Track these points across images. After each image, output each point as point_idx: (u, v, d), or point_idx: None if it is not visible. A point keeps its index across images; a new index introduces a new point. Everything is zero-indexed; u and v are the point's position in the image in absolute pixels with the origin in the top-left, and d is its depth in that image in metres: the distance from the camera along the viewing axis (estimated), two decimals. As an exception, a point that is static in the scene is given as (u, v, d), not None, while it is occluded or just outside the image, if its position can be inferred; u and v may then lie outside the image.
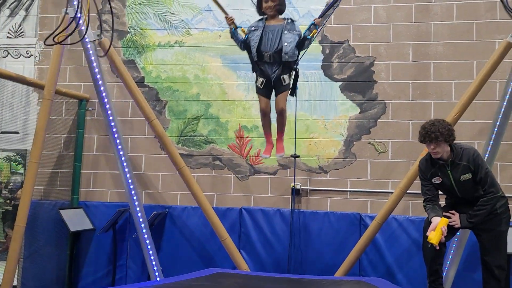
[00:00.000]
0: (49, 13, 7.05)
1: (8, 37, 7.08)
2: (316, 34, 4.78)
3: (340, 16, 6.33)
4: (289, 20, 4.77)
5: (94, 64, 5.55)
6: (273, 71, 4.70)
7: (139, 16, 6.89)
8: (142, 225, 5.85)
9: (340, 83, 6.33)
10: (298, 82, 4.90)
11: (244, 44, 4.80)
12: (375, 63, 6.27)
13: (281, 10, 4.80)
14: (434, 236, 4.01)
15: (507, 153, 5.79)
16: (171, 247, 6.41)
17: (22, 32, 7.08)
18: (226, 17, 4.83)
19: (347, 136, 6.27)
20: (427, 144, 4.17)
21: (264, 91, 4.81)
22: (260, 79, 4.76)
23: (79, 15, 4.98)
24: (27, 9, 7.05)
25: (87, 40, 5.44)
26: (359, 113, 6.27)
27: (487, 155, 5.07)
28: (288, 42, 4.61)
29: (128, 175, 5.88)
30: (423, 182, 4.39)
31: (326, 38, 6.40)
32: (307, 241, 6.15)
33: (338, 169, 6.25)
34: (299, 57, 4.86)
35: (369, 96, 6.25)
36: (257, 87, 4.83)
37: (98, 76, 5.59)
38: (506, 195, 4.31)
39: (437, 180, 4.29)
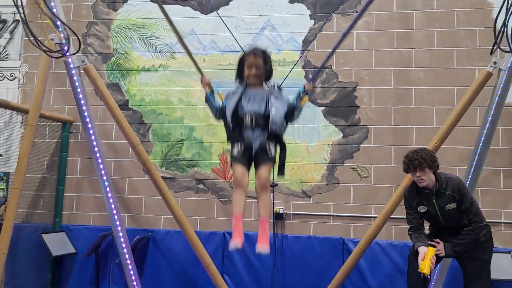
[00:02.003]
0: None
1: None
2: (306, 102, 3.83)
3: (323, 42, 6.41)
4: (275, 87, 3.80)
5: (79, 90, 5.54)
6: (255, 136, 3.67)
7: (123, 40, 6.91)
8: (125, 250, 5.80)
9: (323, 107, 6.40)
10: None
11: (220, 112, 3.83)
12: (357, 88, 6.34)
13: (267, 77, 3.83)
14: (425, 266, 4.03)
15: (488, 179, 5.88)
16: (154, 271, 6.37)
17: (6, 54, 7.07)
18: (201, 79, 3.99)
19: (330, 161, 6.31)
20: (412, 172, 4.21)
21: (241, 159, 3.66)
22: (238, 146, 3.67)
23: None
24: (11, 32, 7.05)
25: (71, 66, 5.44)
26: (342, 137, 6.32)
27: (468, 181, 5.12)
28: (277, 110, 3.66)
29: (111, 199, 5.85)
30: (408, 210, 4.43)
31: (309, 63, 6.47)
32: (291, 265, 6.16)
33: (321, 194, 6.28)
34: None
35: (351, 121, 6.31)
36: (232, 156, 3.73)
37: (83, 102, 5.58)
38: (487, 220, 4.35)
39: (422, 209, 4.32)
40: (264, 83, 3.82)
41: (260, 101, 3.70)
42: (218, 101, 3.88)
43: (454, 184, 4.20)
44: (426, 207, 4.30)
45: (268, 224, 3.65)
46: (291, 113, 3.79)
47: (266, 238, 3.58)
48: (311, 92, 3.96)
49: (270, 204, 3.81)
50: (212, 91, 3.93)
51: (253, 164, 3.73)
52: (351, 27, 3.50)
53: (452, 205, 4.20)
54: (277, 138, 3.77)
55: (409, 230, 4.41)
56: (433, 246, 4.21)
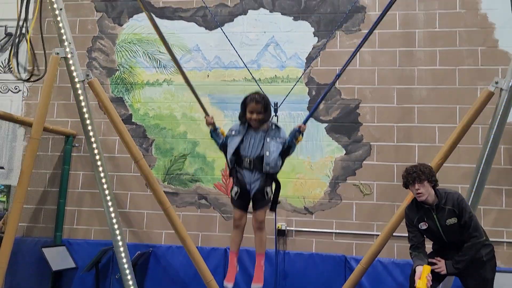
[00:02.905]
0: (39, 49, 7.06)
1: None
2: (300, 141, 4.28)
3: (326, 59, 6.47)
4: (273, 126, 4.23)
5: (83, 104, 5.57)
6: (254, 179, 4.12)
7: (128, 54, 6.96)
8: (126, 265, 5.78)
9: (326, 124, 6.42)
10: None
11: (222, 147, 4.34)
12: (360, 106, 6.38)
13: (265, 121, 4.20)
14: (422, 285, 4.02)
15: (490, 198, 5.89)
16: (155, 287, 6.32)
17: (11, 67, 7.10)
18: (205, 118, 4.43)
19: (332, 177, 6.32)
20: (411, 187, 4.22)
21: (238, 202, 4.20)
22: (235, 188, 4.17)
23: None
24: (17, 45, 7.08)
25: (76, 80, 5.48)
26: (345, 154, 6.34)
27: (470, 199, 5.12)
28: (271, 151, 4.09)
29: (112, 213, 5.84)
30: (409, 228, 4.42)
31: (312, 80, 6.51)
32: (292, 282, 6.12)
33: (323, 210, 6.28)
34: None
35: (354, 138, 6.33)
36: (231, 197, 4.24)
37: (86, 116, 5.61)
38: (490, 239, 4.33)
39: (423, 226, 4.30)
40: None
41: (258, 144, 4.14)
42: (221, 137, 4.37)
43: (453, 199, 4.20)
44: (427, 224, 4.28)
45: (263, 260, 4.29)
46: (286, 151, 4.23)
47: (260, 275, 4.23)
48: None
49: (265, 242, 4.33)
50: (215, 129, 4.38)
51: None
52: (359, 46, 3.56)
53: (453, 220, 4.19)
54: (273, 178, 4.21)
55: (410, 249, 4.40)
56: (433, 263, 4.20)
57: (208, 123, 4.39)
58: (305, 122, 4.38)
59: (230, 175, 4.30)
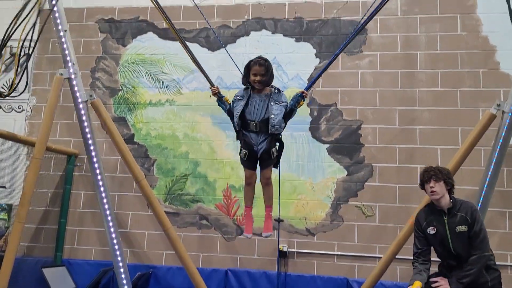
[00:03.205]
0: (43, 69, 7.17)
1: (1, 91, 7.13)
2: (301, 105, 4.60)
3: (328, 80, 6.49)
4: (276, 90, 4.56)
5: (86, 124, 5.60)
6: (260, 141, 4.46)
7: (131, 75, 7.01)
8: (126, 286, 5.73)
9: (328, 145, 6.42)
10: (284, 148, 4.67)
11: (229, 112, 4.67)
12: (362, 127, 6.38)
13: (268, 83, 4.55)
14: None
15: (493, 220, 5.83)
16: (154, 309, 6.28)
17: (15, 87, 7.14)
18: (210, 88, 4.73)
19: (334, 199, 6.29)
20: (427, 184, 4.21)
21: (248, 163, 4.58)
22: (244, 151, 4.51)
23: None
24: (21, 65, 7.14)
25: (79, 100, 5.51)
26: (347, 175, 6.32)
27: (473, 222, 5.09)
28: (275, 114, 4.41)
29: (113, 234, 5.82)
30: (416, 234, 4.38)
31: (314, 100, 6.53)
32: (294, 305, 6.06)
33: (325, 232, 6.24)
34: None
35: (356, 159, 6.32)
36: (240, 158, 4.60)
37: (89, 136, 5.63)
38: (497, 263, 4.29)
39: (431, 231, 4.25)
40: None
41: (262, 107, 4.46)
42: (227, 104, 4.66)
43: (468, 207, 4.19)
44: (435, 228, 4.24)
45: (271, 211, 4.69)
46: (288, 114, 4.57)
47: (270, 224, 4.67)
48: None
49: (272, 195, 4.70)
50: (220, 98, 4.68)
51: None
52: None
53: (463, 228, 4.13)
54: (277, 139, 4.55)
55: (413, 257, 4.36)
56: (435, 282, 4.15)
57: (213, 93, 4.69)
58: (307, 88, 4.77)
59: (237, 139, 4.62)
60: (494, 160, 5.02)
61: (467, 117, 6.10)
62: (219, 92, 4.69)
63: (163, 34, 6.97)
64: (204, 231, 6.50)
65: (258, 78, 4.43)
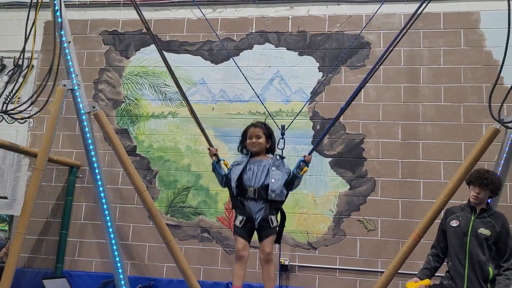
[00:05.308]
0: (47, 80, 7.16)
1: (4, 103, 7.15)
2: (305, 171, 4.32)
3: (331, 94, 6.49)
4: (278, 157, 4.33)
5: (88, 135, 5.60)
6: (259, 208, 4.11)
7: (134, 87, 7.03)
8: (126, 299, 5.71)
9: (330, 159, 6.40)
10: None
11: (225, 180, 4.32)
12: (365, 141, 6.36)
13: (270, 150, 4.38)
14: (411, 285, 4.15)
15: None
16: (155, 322, 6.23)
17: (18, 98, 7.16)
18: (208, 149, 4.56)
19: (336, 212, 6.26)
20: (473, 187, 4.25)
21: (242, 231, 4.14)
22: (240, 217, 4.13)
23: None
24: (24, 76, 7.17)
25: (82, 112, 5.52)
26: (349, 189, 6.29)
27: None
28: (276, 179, 4.12)
29: (114, 246, 5.80)
30: (441, 225, 4.47)
31: (317, 114, 6.52)
32: (295, 319, 6.01)
33: (327, 246, 6.20)
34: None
35: (358, 173, 6.30)
36: (235, 226, 4.19)
37: (91, 147, 5.64)
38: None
39: (454, 223, 4.30)
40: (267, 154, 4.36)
41: (262, 173, 4.15)
42: (224, 170, 4.39)
43: (501, 218, 4.24)
44: (458, 222, 4.28)
45: None
46: (291, 182, 4.26)
47: None
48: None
49: (273, 276, 4.23)
50: (218, 160, 4.43)
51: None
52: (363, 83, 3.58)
53: (486, 232, 4.15)
54: (278, 207, 4.21)
55: (431, 247, 4.50)
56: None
57: (211, 154, 4.49)
58: (310, 153, 4.53)
59: (233, 207, 4.30)
60: (498, 175, 4.99)
61: (471, 132, 6.09)
62: (217, 154, 4.49)
63: (166, 46, 6.99)
64: (206, 244, 6.47)
65: (253, 140, 4.28)
